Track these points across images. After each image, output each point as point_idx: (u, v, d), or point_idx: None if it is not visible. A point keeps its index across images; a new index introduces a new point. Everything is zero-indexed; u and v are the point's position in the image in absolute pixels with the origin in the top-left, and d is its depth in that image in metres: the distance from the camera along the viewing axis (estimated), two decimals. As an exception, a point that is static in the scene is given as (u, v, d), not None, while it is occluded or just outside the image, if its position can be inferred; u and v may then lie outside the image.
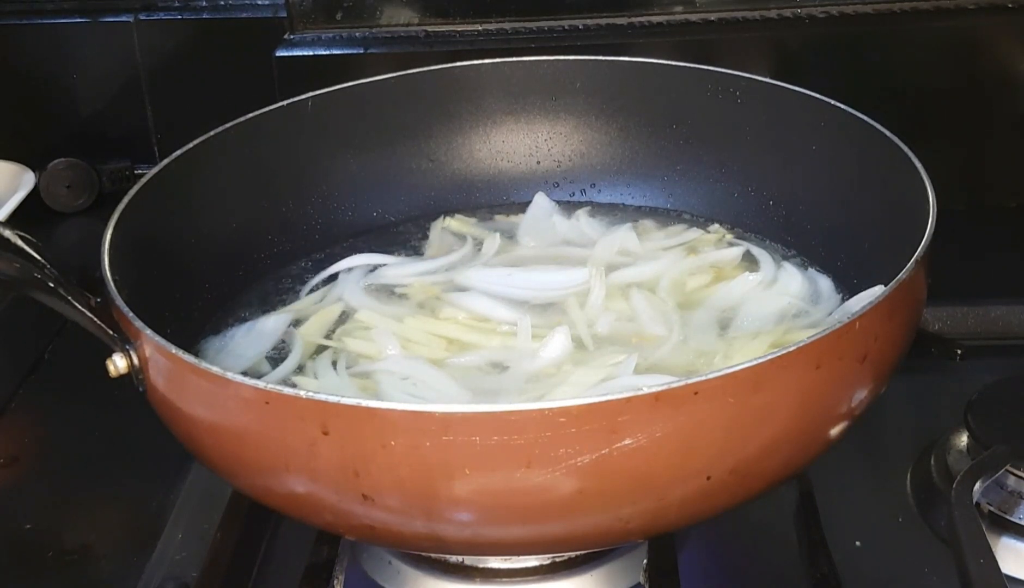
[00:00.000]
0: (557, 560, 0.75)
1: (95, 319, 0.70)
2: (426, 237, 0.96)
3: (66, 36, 1.22)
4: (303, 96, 0.93)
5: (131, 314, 0.68)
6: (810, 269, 0.88)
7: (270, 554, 0.81)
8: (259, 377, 0.74)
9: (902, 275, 0.67)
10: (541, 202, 0.98)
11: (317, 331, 0.84)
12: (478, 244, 0.94)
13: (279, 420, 0.62)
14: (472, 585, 0.75)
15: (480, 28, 1.16)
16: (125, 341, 0.69)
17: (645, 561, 0.74)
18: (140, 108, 1.23)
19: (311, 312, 0.87)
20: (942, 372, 0.93)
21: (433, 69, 0.97)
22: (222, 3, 1.21)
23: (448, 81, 0.98)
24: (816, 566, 0.75)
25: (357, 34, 1.17)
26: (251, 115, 0.91)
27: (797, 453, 0.67)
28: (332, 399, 0.60)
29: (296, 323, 0.85)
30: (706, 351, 0.80)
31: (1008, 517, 0.77)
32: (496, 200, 0.99)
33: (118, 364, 0.70)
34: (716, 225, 0.95)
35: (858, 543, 0.79)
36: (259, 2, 1.20)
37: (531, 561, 0.75)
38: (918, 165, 0.78)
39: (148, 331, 0.67)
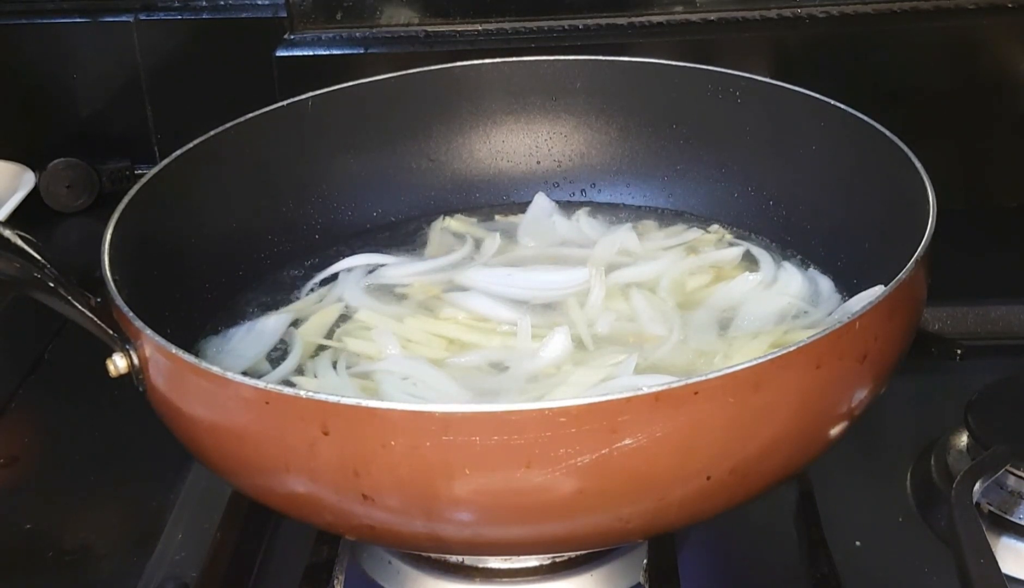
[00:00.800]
0: (557, 560, 0.75)
1: (95, 319, 0.70)
2: (426, 237, 0.96)
3: (66, 36, 1.22)
4: (303, 96, 0.93)
5: (131, 314, 0.68)
6: (810, 269, 0.88)
7: (270, 554, 0.81)
8: (259, 377, 0.74)
9: (902, 275, 0.67)
10: (541, 202, 0.98)
11: (317, 331, 0.84)
12: (478, 244, 0.94)
13: (279, 420, 0.62)
14: (472, 585, 0.75)
15: (480, 28, 1.16)
16: (125, 341, 0.69)
17: (645, 561, 0.74)
18: (140, 108, 1.23)
19: (311, 312, 0.87)
20: (942, 372, 0.93)
21: (433, 69, 0.97)
22: (222, 3, 1.21)
23: (448, 81, 0.98)
24: (816, 566, 0.75)
25: (357, 34, 1.17)
26: (251, 115, 0.91)
27: (797, 453, 0.67)
28: (332, 399, 0.60)
29: (296, 323, 0.85)
30: (706, 351, 0.80)
31: (1008, 517, 0.77)
32: (496, 200, 0.99)
33: (118, 364, 0.70)
34: (716, 225, 0.95)
35: (858, 543, 0.79)
36: (259, 2, 1.20)
37: (531, 561, 0.75)
38: (918, 165, 0.78)
39: (148, 331, 0.67)
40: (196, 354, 0.71)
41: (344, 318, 0.86)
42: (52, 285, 0.70)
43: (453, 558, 0.75)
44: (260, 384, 0.62)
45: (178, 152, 0.86)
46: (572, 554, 0.75)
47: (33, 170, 1.19)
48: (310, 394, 0.60)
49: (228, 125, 0.89)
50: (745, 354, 0.78)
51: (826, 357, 0.63)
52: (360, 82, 0.95)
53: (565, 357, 0.79)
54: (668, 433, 0.60)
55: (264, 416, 0.62)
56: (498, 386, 0.77)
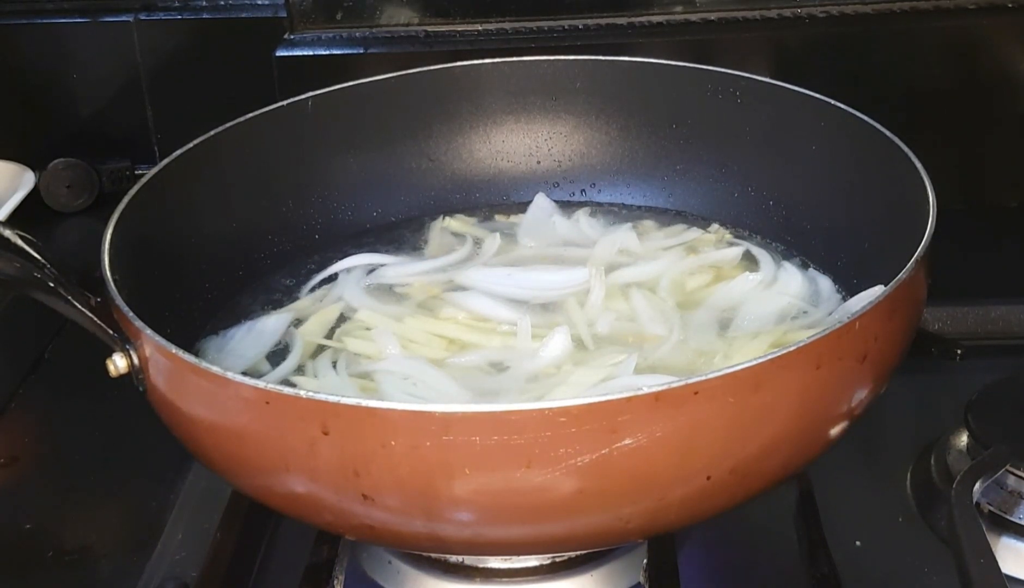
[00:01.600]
0: (557, 560, 0.75)
1: (95, 319, 0.70)
2: (426, 237, 0.96)
3: (66, 36, 1.22)
4: (303, 96, 0.93)
5: (131, 314, 0.68)
6: (810, 269, 0.88)
7: (270, 554, 0.81)
8: (259, 377, 0.74)
9: (902, 275, 0.67)
10: (541, 202, 0.98)
11: (317, 331, 0.84)
12: (478, 244, 0.94)
13: (279, 420, 0.62)
14: (472, 585, 0.75)
15: (480, 28, 1.16)
16: (125, 341, 0.69)
17: (645, 561, 0.74)
18: (140, 108, 1.23)
19: (311, 312, 0.87)
20: (942, 372, 0.93)
21: (433, 69, 0.97)
22: (222, 3, 1.21)
23: (448, 81, 0.98)
24: (816, 566, 0.75)
25: (357, 34, 1.17)
26: (251, 115, 0.91)
27: (797, 453, 0.67)
28: (332, 399, 0.60)
29: (296, 323, 0.85)
30: (706, 351, 0.80)
31: (1008, 517, 0.77)
32: (496, 200, 0.99)
33: (118, 364, 0.70)
34: (716, 225, 0.95)
35: (858, 543, 0.79)
36: (259, 2, 1.20)
37: (531, 561, 0.75)
38: (918, 165, 0.78)
39: (148, 331, 0.67)
40: (196, 354, 0.71)
41: (344, 318, 0.86)
42: (52, 285, 0.70)
43: (453, 558, 0.75)
44: (260, 384, 0.62)
45: (178, 152, 0.86)
46: (572, 554, 0.75)
47: (33, 170, 1.19)
48: (310, 394, 0.60)
49: (228, 125, 0.89)
50: (745, 354, 0.78)
51: (826, 357, 0.63)
52: (360, 82, 0.95)
53: (565, 357, 0.79)
54: (668, 433, 0.60)
55: (264, 416, 0.62)
56: (498, 386, 0.77)
